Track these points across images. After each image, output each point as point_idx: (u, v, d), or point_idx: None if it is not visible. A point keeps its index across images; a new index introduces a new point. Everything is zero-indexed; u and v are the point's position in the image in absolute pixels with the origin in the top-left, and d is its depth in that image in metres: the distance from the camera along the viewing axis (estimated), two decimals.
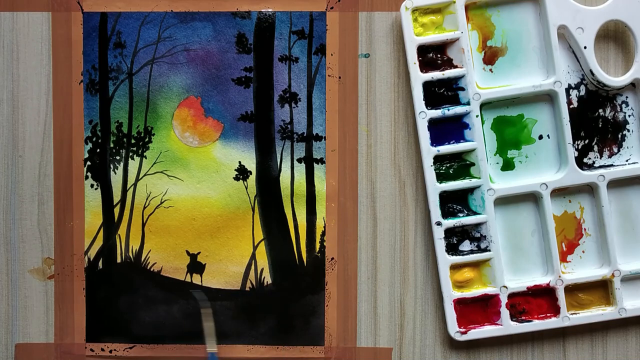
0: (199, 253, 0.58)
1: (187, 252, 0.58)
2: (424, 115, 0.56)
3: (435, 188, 0.56)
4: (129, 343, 0.59)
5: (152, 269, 0.58)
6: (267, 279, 0.58)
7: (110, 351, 0.59)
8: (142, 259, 0.58)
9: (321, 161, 0.58)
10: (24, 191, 0.59)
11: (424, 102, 0.56)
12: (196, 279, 0.58)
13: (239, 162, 0.58)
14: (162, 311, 0.58)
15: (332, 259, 0.58)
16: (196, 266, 0.58)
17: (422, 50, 0.56)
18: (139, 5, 0.58)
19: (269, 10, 0.58)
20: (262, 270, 0.58)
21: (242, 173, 0.58)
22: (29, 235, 0.59)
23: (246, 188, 0.58)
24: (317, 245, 0.58)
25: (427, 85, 0.56)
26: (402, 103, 0.58)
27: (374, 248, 0.58)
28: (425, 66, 0.57)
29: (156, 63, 0.58)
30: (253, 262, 0.58)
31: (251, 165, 0.58)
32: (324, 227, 0.58)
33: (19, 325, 0.59)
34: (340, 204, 0.58)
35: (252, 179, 0.58)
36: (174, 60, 0.58)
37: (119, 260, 0.58)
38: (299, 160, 0.58)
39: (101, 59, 0.58)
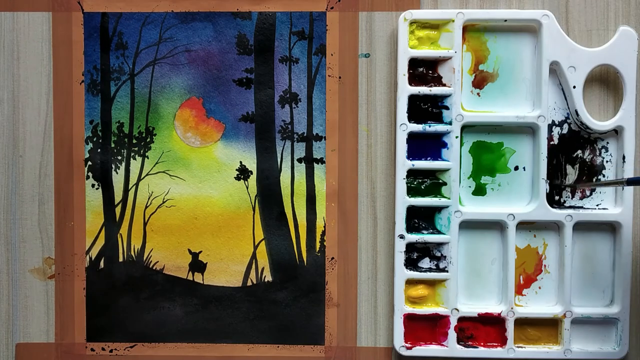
0: (200, 252, 0.58)
1: (189, 250, 0.58)
2: (405, 127, 0.56)
3: (404, 201, 0.56)
4: (129, 342, 0.59)
5: (154, 268, 0.58)
6: (268, 278, 0.58)
7: (111, 350, 0.59)
8: (144, 258, 0.58)
9: (321, 161, 0.58)
10: (24, 191, 0.59)
11: (407, 114, 0.56)
12: (198, 278, 0.58)
13: (240, 162, 0.58)
14: (163, 309, 0.59)
15: (332, 258, 0.58)
16: (198, 265, 0.58)
17: (414, 63, 0.57)
18: (140, 5, 0.58)
19: (269, 11, 0.58)
20: (262, 269, 0.58)
21: (243, 173, 0.58)
22: (29, 235, 0.59)
23: (247, 188, 0.58)
24: (317, 245, 0.58)
25: (413, 99, 0.56)
26: None
27: (374, 248, 0.58)
28: (414, 79, 0.57)
29: (158, 64, 0.58)
30: (254, 261, 0.58)
31: (252, 165, 0.58)
32: (324, 227, 0.58)
33: (19, 325, 0.59)
34: (340, 204, 0.58)
35: (252, 178, 0.58)
36: (175, 61, 0.58)
37: (120, 259, 0.58)
38: (299, 160, 0.58)
39: (103, 59, 0.58)
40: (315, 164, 0.58)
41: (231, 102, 0.58)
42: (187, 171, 0.58)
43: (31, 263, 0.59)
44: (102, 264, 0.59)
